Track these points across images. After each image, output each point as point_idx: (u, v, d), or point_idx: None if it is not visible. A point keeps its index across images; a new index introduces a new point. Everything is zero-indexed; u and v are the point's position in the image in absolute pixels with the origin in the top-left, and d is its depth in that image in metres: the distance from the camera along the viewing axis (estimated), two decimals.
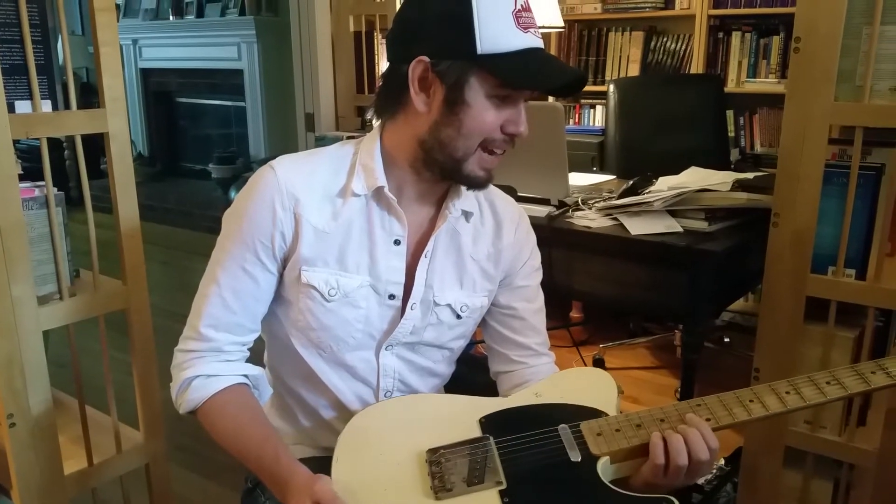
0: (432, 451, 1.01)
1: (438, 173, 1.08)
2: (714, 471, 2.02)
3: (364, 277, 1.11)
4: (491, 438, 1.02)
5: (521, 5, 1.00)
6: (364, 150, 1.12)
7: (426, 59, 1.01)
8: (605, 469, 0.98)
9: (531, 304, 1.24)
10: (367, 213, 1.10)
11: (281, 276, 1.11)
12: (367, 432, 1.05)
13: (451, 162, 1.05)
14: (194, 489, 2.24)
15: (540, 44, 1.03)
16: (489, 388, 1.26)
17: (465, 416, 1.08)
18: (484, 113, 1.02)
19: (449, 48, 1.00)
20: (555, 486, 0.97)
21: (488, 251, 1.19)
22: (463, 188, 1.14)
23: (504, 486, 0.95)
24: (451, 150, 1.04)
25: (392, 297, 1.13)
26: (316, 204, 1.08)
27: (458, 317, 1.18)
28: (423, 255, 1.13)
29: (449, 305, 1.17)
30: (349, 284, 1.10)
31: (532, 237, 1.26)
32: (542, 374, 1.21)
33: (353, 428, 1.06)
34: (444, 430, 1.04)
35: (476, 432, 1.05)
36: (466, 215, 1.17)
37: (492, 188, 1.23)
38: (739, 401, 1.00)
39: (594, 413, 1.05)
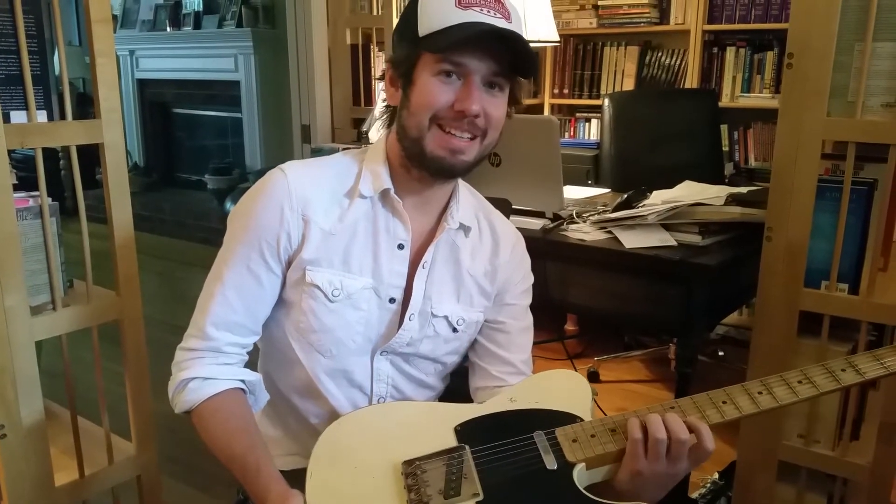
0: (408, 463, 0.99)
1: (416, 165, 1.09)
2: (709, 485, 2.01)
3: (367, 279, 1.12)
4: (467, 448, 1.01)
5: None
6: (370, 156, 1.15)
7: (391, 57, 1.10)
8: (580, 475, 0.98)
9: (518, 322, 1.25)
10: (372, 215, 1.12)
11: (284, 278, 1.12)
12: (340, 444, 1.03)
13: (413, 146, 1.07)
14: (186, 501, 2.23)
15: (481, 18, 1.01)
16: None
17: (440, 424, 1.06)
18: (429, 87, 1.04)
19: (402, 40, 1.08)
20: (532, 496, 0.96)
21: (485, 268, 1.21)
22: (462, 199, 1.17)
23: (481, 498, 0.94)
24: (408, 132, 1.07)
25: (392, 300, 1.14)
26: (324, 206, 1.10)
27: (455, 330, 1.19)
28: (420, 266, 1.14)
29: (446, 318, 1.17)
30: (353, 285, 1.11)
31: (527, 260, 1.27)
32: None
33: (326, 440, 1.03)
34: (420, 440, 1.03)
35: (452, 441, 1.03)
36: (465, 230, 1.18)
37: (491, 209, 1.26)
38: (713, 402, 1.01)
39: (569, 418, 1.05)
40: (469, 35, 1.00)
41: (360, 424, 1.08)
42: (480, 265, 1.20)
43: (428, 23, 1.03)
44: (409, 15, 1.06)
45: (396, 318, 1.15)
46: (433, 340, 1.18)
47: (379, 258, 1.12)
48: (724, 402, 1.00)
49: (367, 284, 1.12)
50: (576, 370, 2.62)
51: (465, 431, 1.05)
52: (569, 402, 1.08)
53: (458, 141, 1.06)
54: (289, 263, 1.11)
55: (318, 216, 1.10)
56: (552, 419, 1.05)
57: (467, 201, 1.20)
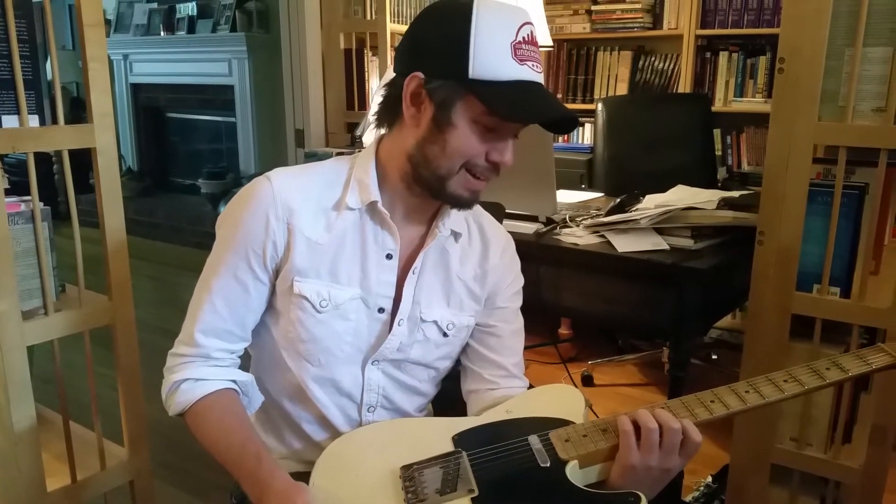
0: (405, 467, 1.02)
1: (426, 190, 1.09)
2: (702, 488, 2.02)
3: (355, 290, 1.12)
4: (463, 452, 1.04)
5: (524, 38, 1.01)
6: (359, 164, 1.13)
7: (421, 75, 1.03)
8: (573, 473, 1.00)
9: (509, 325, 1.25)
10: (360, 226, 1.12)
11: (273, 286, 1.12)
12: (343, 458, 1.07)
13: (434, 179, 1.06)
14: None
15: (536, 78, 1.03)
16: None
17: (438, 435, 1.08)
18: (469, 136, 1.03)
19: (443, 68, 1.02)
20: (525, 490, 0.99)
21: (475, 272, 1.20)
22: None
23: (476, 494, 0.97)
24: (434, 168, 1.05)
25: (381, 310, 1.14)
26: (310, 215, 1.09)
27: (445, 335, 1.18)
28: (410, 272, 1.14)
29: (435, 322, 1.17)
30: (340, 296, 1.11)
31: (517, 263, 1.27)
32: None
33: (329, 454, 1.07)
34: (418, 449, 1.05)
35: (449, 448, 1.06)
36: (455, 235, 1.18)
37: (481, 212, 1.25)
38: (701, 402, 1.03)
39: (563, 423, 1.07)
40: (535, 114, 1.04)
41: (363, 439, 1.11)
42: (470, 269, 1.20)
43: (482, 67, 0.99)
44: (458, 40, 0.99)
45: (386, 327, 1.15)
46: (423, 345, 1.18)
47: (367, 268, 1.12)
48: (711, 402, 1.03)
49: (354, 295, 1.12)
50: (569, 374, 2.61)
51: (463, 439, 1.07)
52: (562, 411, 1.10)
53: (482, 184, 1.08)
54: (276, 272, 1.11)
55: (304, 225, 1.09)
56: (546, 425, 1.07)
57: None
